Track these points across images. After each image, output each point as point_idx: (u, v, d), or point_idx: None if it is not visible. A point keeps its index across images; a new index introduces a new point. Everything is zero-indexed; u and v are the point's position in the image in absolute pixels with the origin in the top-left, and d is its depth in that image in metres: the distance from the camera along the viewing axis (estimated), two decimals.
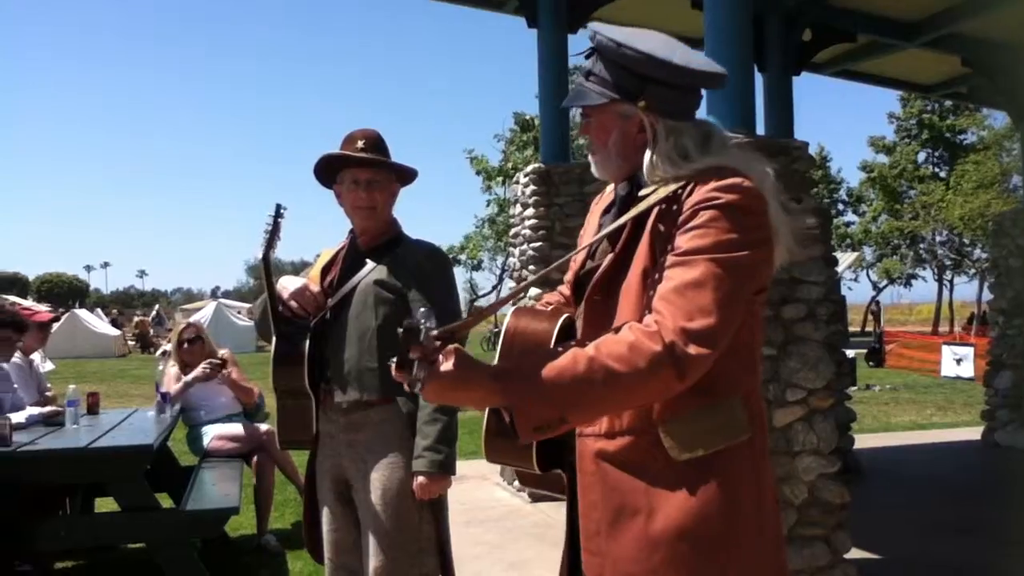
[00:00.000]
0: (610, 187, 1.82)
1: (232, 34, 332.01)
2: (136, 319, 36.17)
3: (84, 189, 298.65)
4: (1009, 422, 8.81)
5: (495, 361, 1.66)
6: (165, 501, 4.72)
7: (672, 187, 1.55)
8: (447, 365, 1.42)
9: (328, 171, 2.73)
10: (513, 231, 7.29)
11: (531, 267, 6.69)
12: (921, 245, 36.13)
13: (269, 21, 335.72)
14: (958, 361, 17.87)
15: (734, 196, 1.48)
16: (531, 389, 1.41)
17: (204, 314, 29.27)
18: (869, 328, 28.41)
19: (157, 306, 49.15)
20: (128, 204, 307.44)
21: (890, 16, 7.49)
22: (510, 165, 22.39)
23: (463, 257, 25.91)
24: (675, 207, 1.54)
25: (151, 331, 33.01)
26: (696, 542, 1.51)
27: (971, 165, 31.09)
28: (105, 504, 4.96)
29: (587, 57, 1.68)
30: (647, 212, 1.57)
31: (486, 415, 1.66)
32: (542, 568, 4.53)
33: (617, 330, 1.47)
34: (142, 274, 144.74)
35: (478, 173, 23.02)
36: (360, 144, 2.66)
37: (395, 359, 1.39)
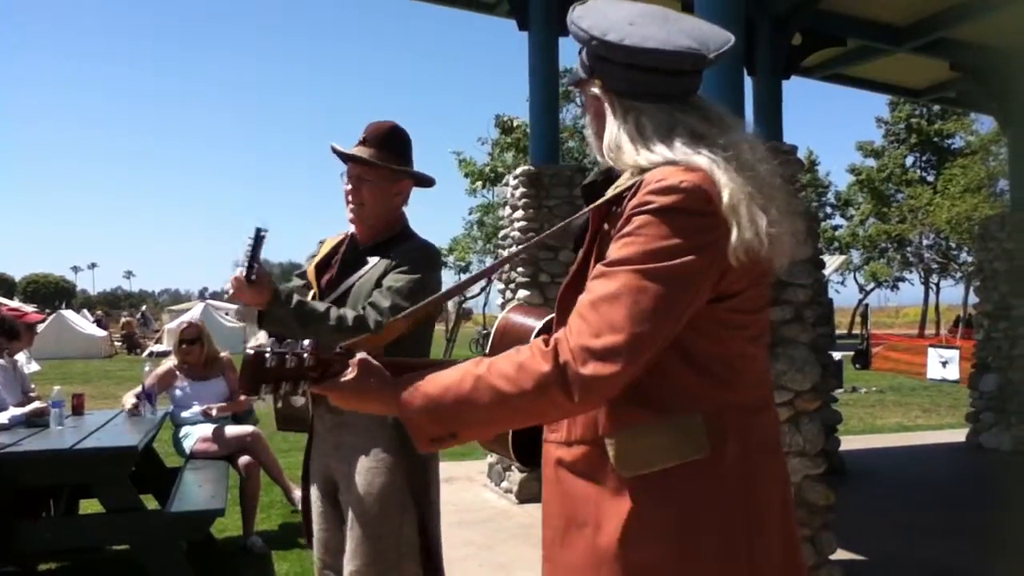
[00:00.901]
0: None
1: (225, 33, 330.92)
2: (123, 320, 35.96)
3: (72, 189, 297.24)
4: (993, 424, 8.87)
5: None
6: (150, 502, 4.70)
7: (625, 185, 1.45)
8: (348, 376, 1.45)
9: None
10: (502, 233, 7.30)
11: (520, 269, 6.68)
12: (908, 248, 36.31)
13: (260, 21, 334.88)
14: (944, 364, 17.97)
15: (671, 198, 1.35)
16: (422, 405, 1.41)
17: (192, 315, 28.87)
18: (856, 331, 28.56)
19: (144, 307, 48.92)
20: (116, 205, 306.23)
21: (880, 21, 7.53)
22: (488, 168, 22.36)
23: (451, 259, 25.84)
24: (616, 209, 1.45)
25: (137, 332, 32.85)
26: (639, 564, 1.41)
27: (958, 169, 31.28)
28: (90, 505, 4.93)
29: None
30: (607, 210, 1.49)
31: None
32: (528, 570, 4.52)
33: (519, 348, 1.41)
34: (129, 275, 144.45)
35: (466, 175, 22.97)
36: (362, 136, 2.64)
37: (247, 383, 1.43)
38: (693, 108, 1.51)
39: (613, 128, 1.48)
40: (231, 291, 2.29)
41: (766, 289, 1.51)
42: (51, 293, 76.53)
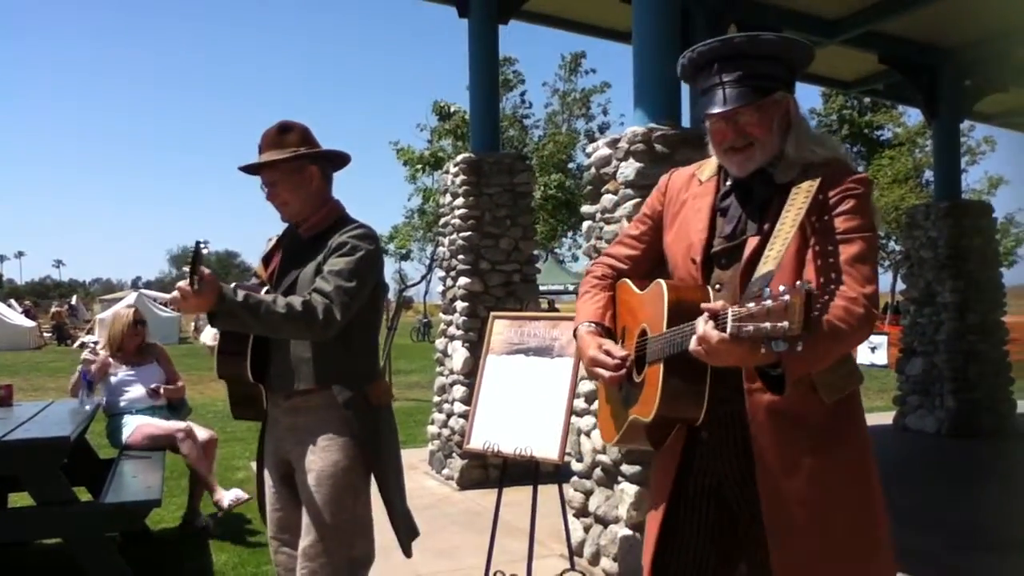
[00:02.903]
0: (705, 174, 2.10)
1: (151, 23, 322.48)
2: (52, 310, 34.96)
3: None
4: (919, 407, 9.19)
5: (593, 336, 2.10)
6: (84, 495, 4.60)
7: (817, 181, 1.84)
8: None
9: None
10: (443, 220, 7.29)
11: (460, 256, 6.69)
12: None
13: (184, 9, 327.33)
14: (872, 349, 18.49)
15: (868, 188, 1.89)
16: (805, 355, 1.66)
17: (125, 304, 28.52)
18: None
19: (75, 297, 47.61)
20: (44, 191, 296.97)
21: (812, 13, 7.69)
22: (429, 154, 22.28)
23: (391, 247, 25.70)
24: (820, 196, 1.85)
25: (67, 322, 31.97)
26: (850, 461, 1.93)
27: (887, 160, 32.13)
28: (20, 499, 4.80)
29: (714, 65, 1.91)
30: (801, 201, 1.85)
31: (662, 378, 1.88)
32: (470, 555, 4.55)
33: (837, 298, 1.79)
34: (59, 264, 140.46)
35: (405, 163, 22.83)
36: (258, 146, 2.68)
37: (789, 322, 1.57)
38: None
39: (803, 126, 1.95)
40: (180, 301, 2.30)
41: None
42: None
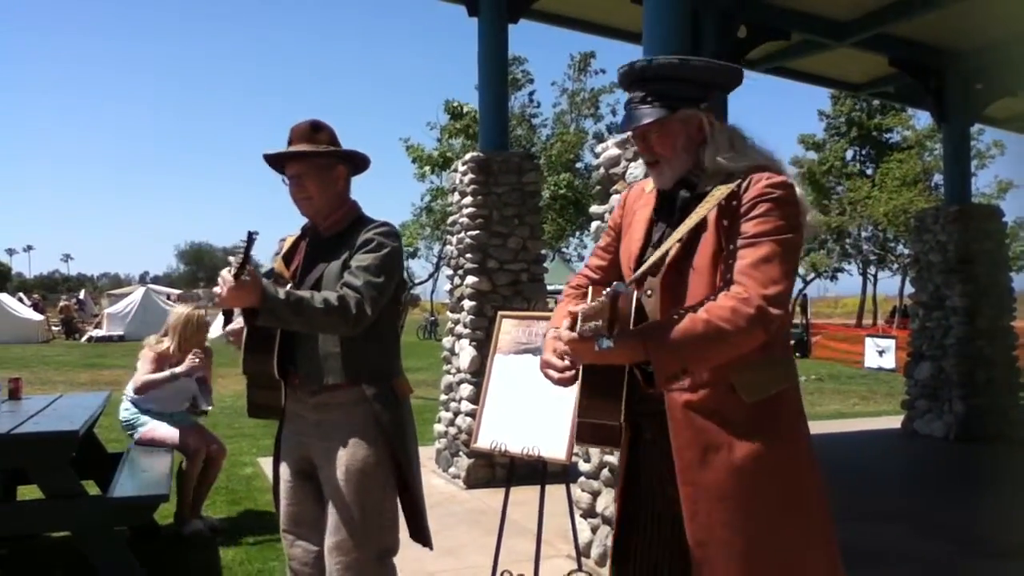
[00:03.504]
0: (648, 189, 2.20)
1: (158, 18, 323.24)
2: (60, 304, 35.06)
3: (6, 170, 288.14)
4: (927, 411, 9.15)
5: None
6: (92, 489, 4.61)
7: (731, 187, 1.91)
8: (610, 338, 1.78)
9: (283, 165, 2.76)
10: (451, 219, 7.29)
11: (468, 255, 6.69)
12: (847, 240, 37.09)
13: (197, 5, 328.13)
14: (880, 353, 18.47)
15: (784, 192, 1.90)
16: (666, 347, 1.80)
17: (132, 300, 28.56)
18: (796, 320, 29.14)
19: (83, 291, 47.74)
20: (53, 185, 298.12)
21: (822, 15, 7.67)
22: (438, 154, 22.30)
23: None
24: (734, 203, 1.91)
25: (76, 316, 32.06)
26: (771, 465, 1.92)
27: (895, 163, 32.02)
28: (29, 492, 4.82)
29: (630, 87, 2.04)
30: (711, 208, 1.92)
31: (581, 380, 2.03)
32: (477, 554, 4.56)
33: (713, 299, 1.84)
34: (67, 258, 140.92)
35: (414, 161, 22.86)
36: (289, 138, 2.71)
37: (601, 323, 1.69)
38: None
39: (720, 138, 2.00)
40: (223, 294, 2.31)
41: None
42: None
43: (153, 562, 4.38)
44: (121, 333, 26.74)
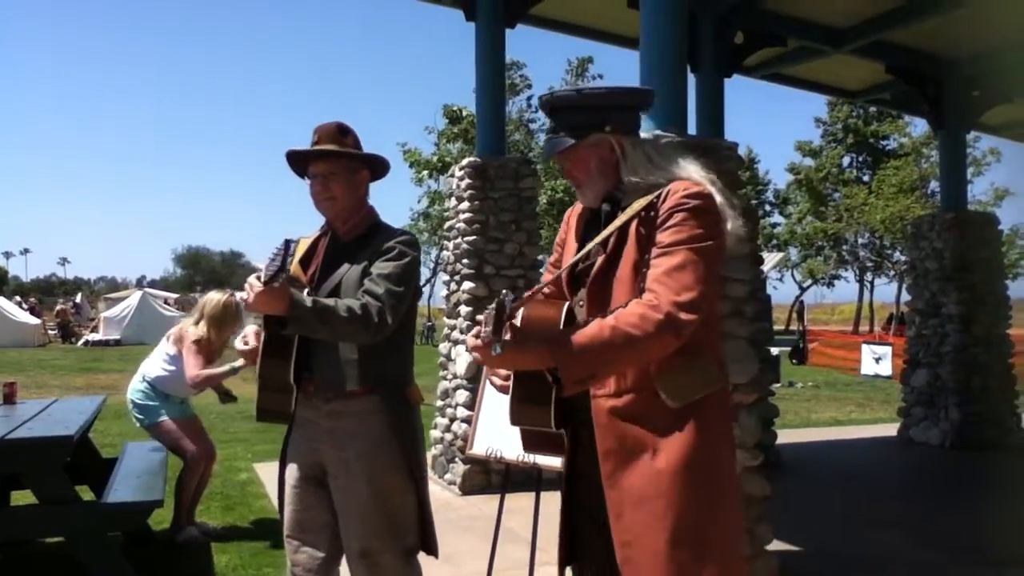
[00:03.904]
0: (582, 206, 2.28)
1: (152, 16, 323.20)
2: (57, 308, 35.00)
3: (2, 172, 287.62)
4: (923, 419, 9.16)
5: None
6: (86, 494, 4.60)
7: (648, 199, 1.99)
8: (511, 338, 1.86)
9: (303, 166, 2.77)
10: (448, 224, 7.28)
11: (465, 260, 6.69)
12: (844, 247, 37.17)
13: (198, 8, 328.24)
14: (877, 360, 18.48)
15: (698, 201, 1.97)
16: (574, 352, 1.85)
17: (129, 303, 28.56)
18: (793, 327, 29.20)
19: (79, 294, 47.67)
20: (49, 188, 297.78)
21: (819, 22, 7.69)
22: (436, 158, 22.32)
23: None
24: (652, 213, 1.99)
25: (72, 320, 32.02)
26: (693, 469, 1.94)
27: (892, 170, 32.10)
28: (23, 497, 4.80)
29: (549, 115, 2.14)
30: (630, 220, 2.01)
31: (512, 387, 2.08)
32: (472, 560, 4.54)
33: (625, 306, 1.90)
34: (64, 261, 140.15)
35: (411, 165, 22.87)
36: (315, 137, 2.71)
37: (490, 328, 1.76)
38: (654, 135, 2.22)
39: (633, 155, 2.08)
40: (251, 300, 2.33)
41: None
42: None
43: (147, 568, 4.36)
44: (117, 337, 26.73)
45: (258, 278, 2.30)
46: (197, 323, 5.16)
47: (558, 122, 2.12)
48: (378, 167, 2.84)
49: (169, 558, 4.75)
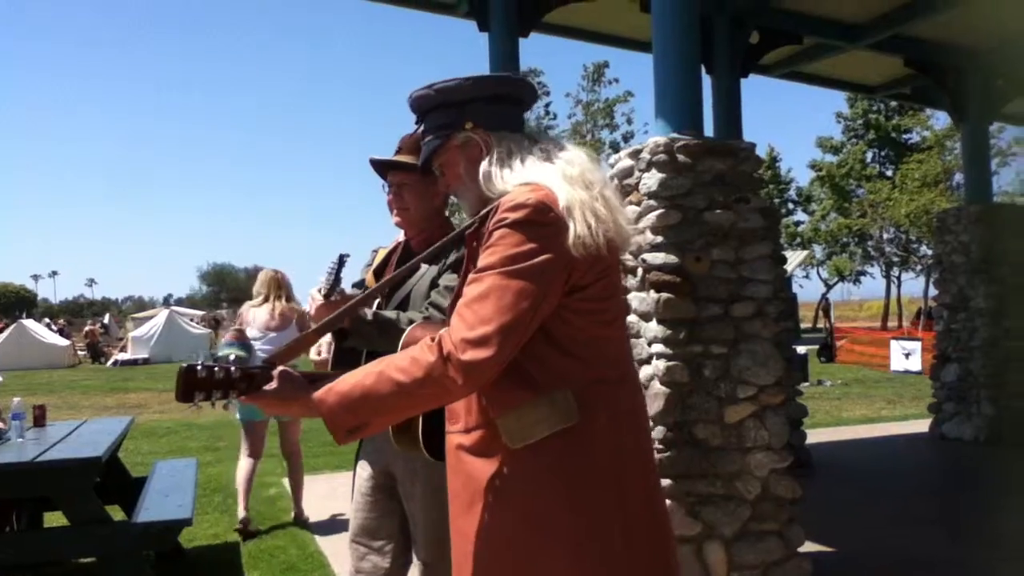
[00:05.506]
0: None
1: (175, 37, 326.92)
2: (86, 329, 35.44)
3: (30, 197, 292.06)
4: (955, 414, 9.03)
5: None
6: (116, 513, 4.64)
7: (479, 215, 1.80)
8: (272, 385, 1.71)
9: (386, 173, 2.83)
10: None
11: None
12: (869, 242, 36.84)
13: (210, 20, 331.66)
14: (907, 355, 18.25)
15: (519, 213, 1.68)
16: (336, 401, 1.66)
17: (156, 322, 28.84)
18: (820, 325, 28.94)
19: (107, 315, 48.20)
20: (76, 212, 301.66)
21: (835, 18, 7.62)
22: None
23: None
24: (482, 229, 1.76)
25: (101, 340, 32.39)
26: (532, 517, 1.71)
27: (915, 164, 31.80)
28: (55, 518, 4.86)
29: (417, 121, 1.96)
30: (474, 236, 1.82)
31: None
32: None
33: (413, 346, 1.70)
34: (91, 283, 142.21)
35: None
36: (398, 147, 2.76)
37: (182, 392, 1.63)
38: (530, 133, 1.92)
39: (496, 152, 1.83)
40: (312, 312, 2.43)
41: (616, 278, 1.83)
42: (11, 303, 75.23)
43: None
44: (146, 356, 27.00)
45: (319, 291, 2.41)
46: (264, 302, 5.60)
47: (426, 125, 1.93)
48: None
49: (201, 574, 4.78)
